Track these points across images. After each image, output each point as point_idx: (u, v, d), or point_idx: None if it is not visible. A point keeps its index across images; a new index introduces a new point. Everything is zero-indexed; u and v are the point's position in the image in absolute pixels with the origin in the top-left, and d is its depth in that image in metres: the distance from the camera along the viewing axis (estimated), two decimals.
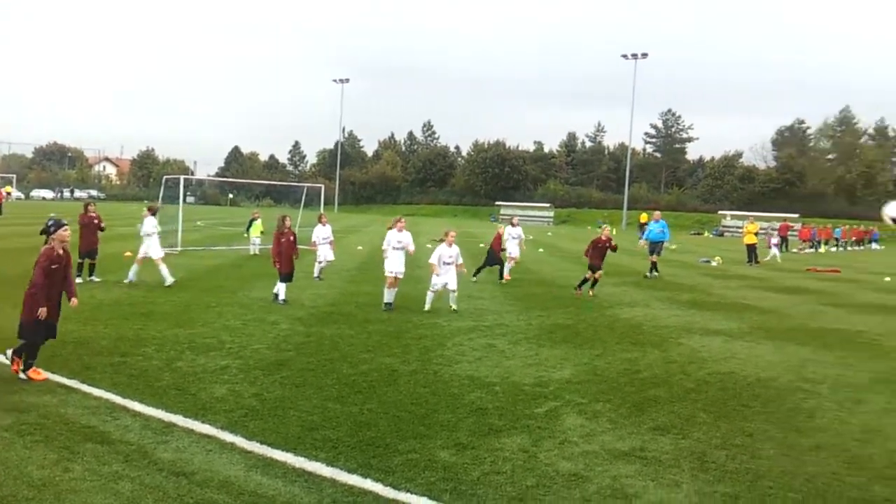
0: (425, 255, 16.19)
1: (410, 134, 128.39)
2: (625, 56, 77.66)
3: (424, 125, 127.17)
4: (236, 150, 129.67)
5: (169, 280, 15.28)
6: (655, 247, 22.62)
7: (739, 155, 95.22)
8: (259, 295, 14.63)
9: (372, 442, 6.24)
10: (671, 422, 7.22)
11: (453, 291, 13.76)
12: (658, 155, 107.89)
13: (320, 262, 18.19)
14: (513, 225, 20.78)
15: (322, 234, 18.28)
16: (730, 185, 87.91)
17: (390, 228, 14.22)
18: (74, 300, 8.12)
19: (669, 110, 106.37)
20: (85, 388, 7.52)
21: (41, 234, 8.79)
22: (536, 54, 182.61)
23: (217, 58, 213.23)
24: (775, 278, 24.19)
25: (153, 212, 15.87)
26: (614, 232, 62.76)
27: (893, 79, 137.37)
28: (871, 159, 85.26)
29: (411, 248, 14.33)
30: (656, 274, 22.13)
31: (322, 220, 18.76)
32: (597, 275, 17.00)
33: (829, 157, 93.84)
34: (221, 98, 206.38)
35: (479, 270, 19.14)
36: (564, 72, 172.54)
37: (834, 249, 47.84)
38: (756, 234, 31.40)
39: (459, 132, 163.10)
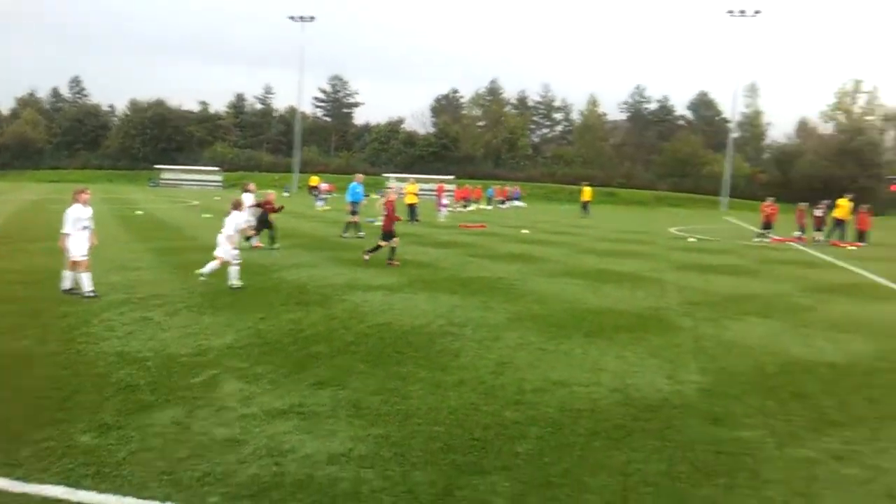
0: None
1: (55, 91, 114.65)
2: (292, 18, 77.32)
3: (72, 81, 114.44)
4: None
5: None
6: (356, 207, 23.67)
7: (402, 120, 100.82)
8: None
9: None
10: (331, 375, 7.44)
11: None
12: (328, 119, 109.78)
13: None
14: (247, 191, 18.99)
15: None
16: (394, 148, 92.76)
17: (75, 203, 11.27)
18: None
19: (337, 75, 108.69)
20: None
21: None
22: (200, 11, 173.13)
23: None
24: (432, 234, 26.14)
25: None
26: (286, 195, 63.08)
27: (533, 56, 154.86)
28: (514, 126, 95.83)
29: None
30: (362, 234, 23.12)
31: None
32: (393, 242, 16.65)
33: (480, 123, 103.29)
34: None
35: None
36: (231, 31, 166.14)
37: (489, 207, 52.95)
38: (416, 194, 33.57)
39: (114, 90, 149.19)
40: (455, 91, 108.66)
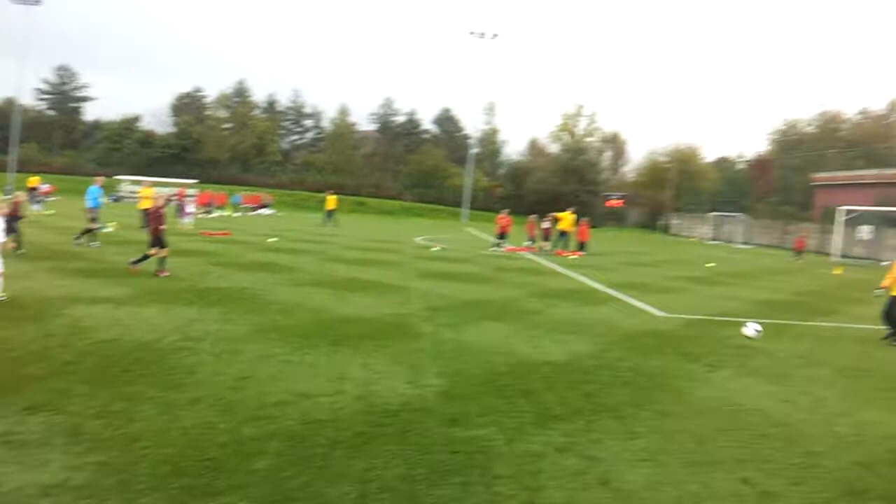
0: None
1: None
2: (14, 0, 68.82)
3: None
4: None
5: None
6: (95, 213, 22.02)
7: (138, 118, 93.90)
8: None
9: None
10: (45, 399, 6.65)
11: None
12: (52, 113, 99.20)
13: None
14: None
15: None
16: (129, 148, 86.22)
17: None
18: None
19: (64, 65, 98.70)
20: None
21: None
22: None
23: None
24: (171, 242, 24.58)
25: None
26: (7, 197, 55.89)
27: (283, 59, 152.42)
28: (262, 130, 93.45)
29: None
30: (96, 244, 21.40)
31: None
32: (162, 252, 16.13)
33: (226, 126, 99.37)
34: None
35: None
36: None
37: (237, 214, 50.97)
38: (153, 198, 31.42)
39: None
40: (198, 90, 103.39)
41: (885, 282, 13.96)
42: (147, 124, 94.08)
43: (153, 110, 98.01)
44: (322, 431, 6.31)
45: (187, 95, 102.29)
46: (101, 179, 23.65)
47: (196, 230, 31.36)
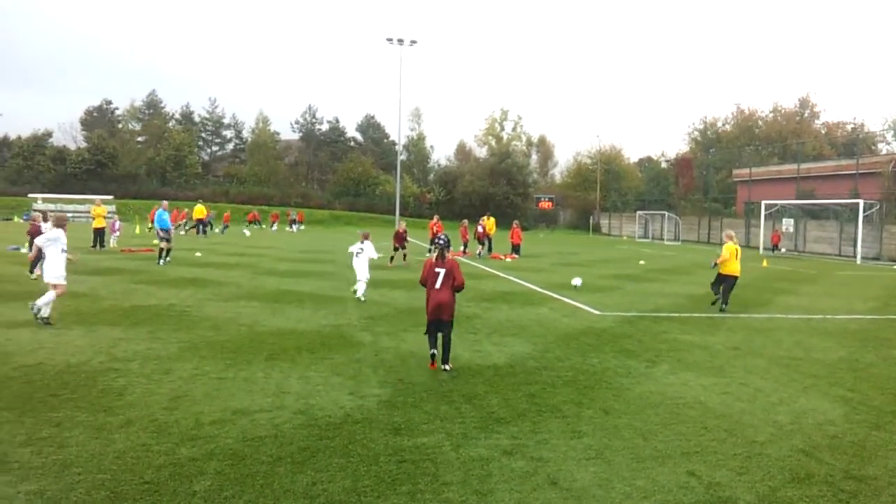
0: None
1: None
2: None
3: None
4: None
5: None
6: (167, 233, 23.73)
7: (50, 134, 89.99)
8: None
9: None
10: None
11: None
12: None
13: None
14: None
15: None
16: (42, 165, 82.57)
17: None
18: None
19: None
20: None
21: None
22: None
23: None
24: (90, 261, 23.69)
25: None
26: None
27: (195, 68, 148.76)
28: (179, 143, 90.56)
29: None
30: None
31: None
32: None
33: (140, 139, 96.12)
34: None
35: None
36: None
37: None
38: (105, 216, 30.20)
39: None
40: (109, 102, 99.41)
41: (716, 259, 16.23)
42: (58, 140, 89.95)
43: (63, 125, 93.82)
44: (263, 448, 6.09)
45: (97, 109, 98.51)
46: (166, 203, 26.12)
47: (118, 248, 30.26)
